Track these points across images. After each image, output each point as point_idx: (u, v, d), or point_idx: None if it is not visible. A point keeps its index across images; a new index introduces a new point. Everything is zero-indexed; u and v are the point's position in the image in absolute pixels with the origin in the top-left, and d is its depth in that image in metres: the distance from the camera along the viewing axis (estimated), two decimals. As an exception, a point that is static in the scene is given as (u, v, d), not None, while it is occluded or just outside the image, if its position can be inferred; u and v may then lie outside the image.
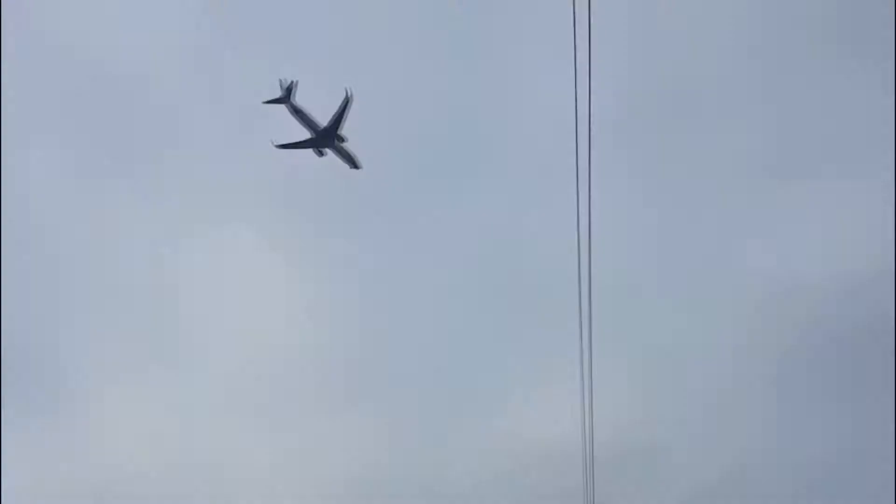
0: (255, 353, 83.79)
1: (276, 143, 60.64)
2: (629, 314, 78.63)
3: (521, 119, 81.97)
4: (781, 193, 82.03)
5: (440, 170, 79.13)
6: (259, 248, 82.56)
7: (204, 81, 77.35)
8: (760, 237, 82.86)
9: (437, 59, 79.99)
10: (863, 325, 76.57)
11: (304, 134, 59.83)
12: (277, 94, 57.61)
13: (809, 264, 78.67)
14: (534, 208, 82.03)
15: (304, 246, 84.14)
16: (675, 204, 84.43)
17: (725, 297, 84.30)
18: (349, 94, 57.80)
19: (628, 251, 80.00)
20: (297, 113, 58.89)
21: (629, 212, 78.84)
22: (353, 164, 62.18)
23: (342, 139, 59.95)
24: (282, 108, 58.10)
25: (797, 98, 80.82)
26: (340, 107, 58.44)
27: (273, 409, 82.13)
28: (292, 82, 57.73)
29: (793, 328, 78.60)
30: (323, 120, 59.01)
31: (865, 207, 77.59)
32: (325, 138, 59.47)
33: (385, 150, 70.08)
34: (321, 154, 61.10)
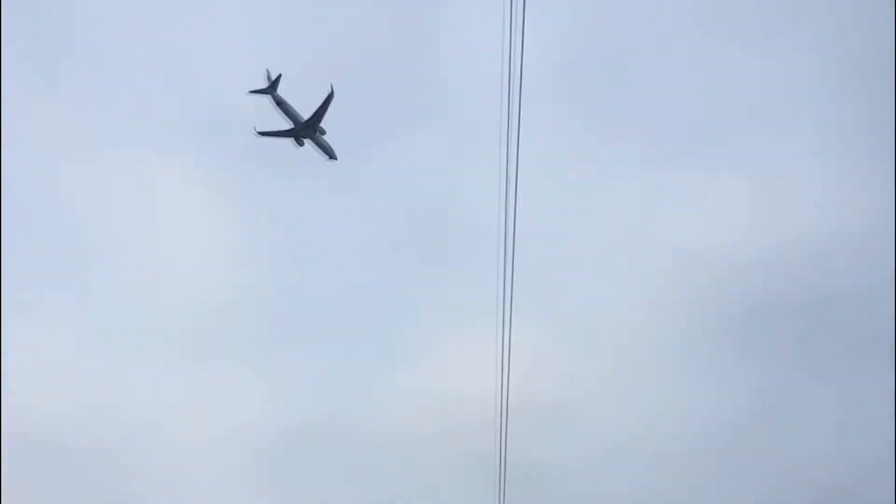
0: (171, 291, 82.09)
1: (258, 130, 63.36)
2: (550, 273, 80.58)
3: (453, 72, 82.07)
4: (707, 159, 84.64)
5: (370, 120, 78.39)
6: (185, 181, 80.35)
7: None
8: (682, 202, 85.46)
9: (370, 8, 79.14)
10: (774, 291, 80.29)
11: (287, 124, 63.17)
12: (264, 84, 60.63)
13: (728, 232, 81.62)
14: (463, 163, 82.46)
15: (231, 185, 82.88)
16: (602, 165, 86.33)
17: (643, 260, 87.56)
18: (332, 90, 61.06)
19: (554, 210, 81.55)
20: (280, 104, 61.59)
21: (556, 171, 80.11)
22: (330, 155, 65.67)
23: (322, 132, 63.40)
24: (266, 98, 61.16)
25: (729, 64, 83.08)
26: (323, 102, 61.48)
27: (181, 354, 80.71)
28: (279, 76, 60.36)
29: (706, 293, 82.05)
30: (305, 113, 62.27)
31: (790, 177, 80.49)
32: (306, 129, 62.93)
33: (313, 98, 69.47)
34: (300, 144, 64.19)
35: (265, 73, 60.17)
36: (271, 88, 60.25)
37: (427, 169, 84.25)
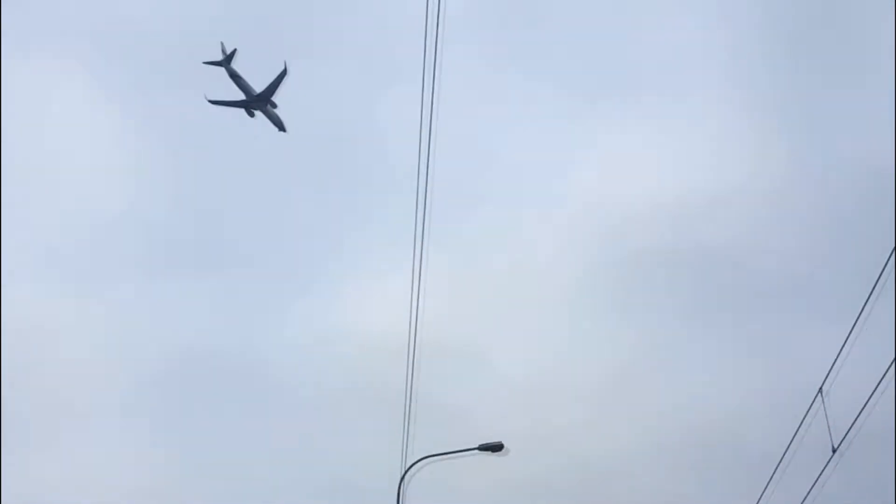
0: (59, 206, 79.79)
1: (209, 99, 65.77)
2: (465, 212, 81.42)
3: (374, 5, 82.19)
4: (617, 108, 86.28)
5: (285, 44, 77.71)
6: (85, 96, 78.17)
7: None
8: (592, 149, 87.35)
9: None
10: (670, 242, 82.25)
11: (240, 96, 65.83)
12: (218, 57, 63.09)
13: (632, 181, 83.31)
14: (381, 95, 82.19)
15: (134, 103, 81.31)
16: (515, 107, 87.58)
17: (552, 204, 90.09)
18: (286, 67, 64.17)
19: (469, 149, 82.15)
20: (235, 77, 63.85)
21: (472, 110, 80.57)
22: (280, 127, 68.09)
23: (273, 105, 66.22)
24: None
25: (645, 14, 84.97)
26: (276, 78, 64.33)
27: (68, 272, 78.64)
28: (234, 50, 62.79)
29: (609, 240, 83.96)
30: (258, 87, 65.08)
31: (695, 131, 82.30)
32: (258, 102, 65.73)
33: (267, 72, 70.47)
34: (251, 115, 66.98)
35: (220, 45, 62.57)
36: (226, 62, 62.51)
37: (343, 99, 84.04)
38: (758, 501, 14.71)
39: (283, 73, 63.79)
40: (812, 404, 11.80)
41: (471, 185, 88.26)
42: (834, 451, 11.83)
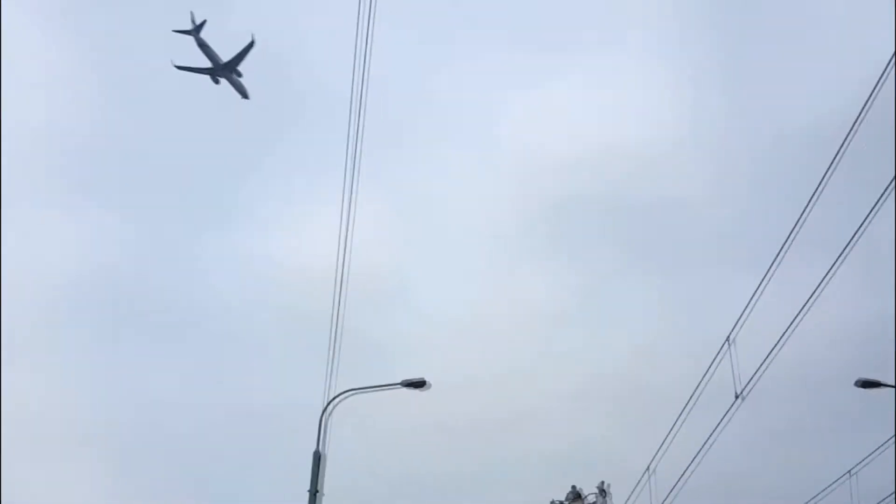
0: None
1: (175, 65, 66.77)
2: (398, 147, 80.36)
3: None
4: (556, 58, 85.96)
5: None
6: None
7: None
8: (529, 92, 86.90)
9: None
10: (599, 190, 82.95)
11: (206, 63, 67.51)
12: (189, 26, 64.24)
13: (566, 128, 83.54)
14: (317, 26, 79.59)
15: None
16: (459, 47, 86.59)
17: (488, 146, 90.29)
18: (253, 39, 65.71)
19: (407, 84, 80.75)
20: (203, 46, 65.30)
21: (410, 48, 78.92)
22: (243, 94, 69.78)
23: (239, 74, 68.11)
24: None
25: None
26: (242, 49, 66.12)
27: None
28: (203, 21, 63.94)
29: (539, 184, 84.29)
30: (225, 57, 67.03)
31: (636, 82, 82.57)
32: (223, 70, 67.58)
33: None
34: (216, 82, 68.51)
35: (190, 14, 63.44)
36: (195, 31, 64.13)
37: (276, 24, 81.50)
38: (664, 440, 15.48)
39: (251, 45, 65.48)
40: (719, 352, 12.37)
41: (407, 120, 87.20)
42: (737, 396, 12.48)
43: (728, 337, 12.18)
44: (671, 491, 17.05)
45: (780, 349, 12.00)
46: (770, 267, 11.12)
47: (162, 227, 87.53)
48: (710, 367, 12.69)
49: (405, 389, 20.38)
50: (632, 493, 18.90)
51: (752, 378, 12.33)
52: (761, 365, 12.19)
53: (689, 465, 15.63)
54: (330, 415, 18.80)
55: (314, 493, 17.58)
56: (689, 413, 14.11)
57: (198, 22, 63.94)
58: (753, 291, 11.34)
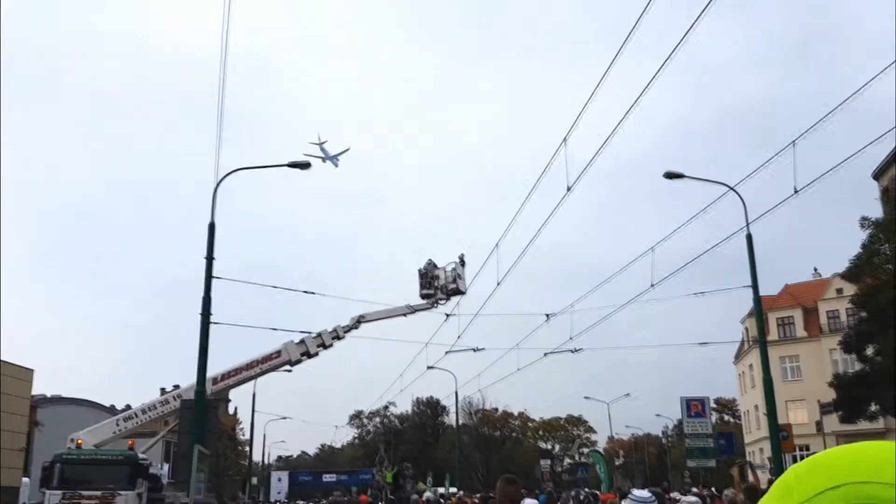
0: None
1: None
2: None
3: None
4: None
5: None
6: None
7: None
8: None
9: None
10: None
11: None
12: None
13: None
14: None
15: None
16: None
17: None
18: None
19: None
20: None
21: None
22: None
23: None
24: None
25: None
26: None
27: None
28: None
29: None
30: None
31: None
32: None
33: None
34: None
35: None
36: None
37: None
38: (511, 220, 17.85)
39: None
40: (558, 150, 14.35)
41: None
42: (568, 189, 14.73)
43: (564, 139, 14.08)
44: (513, 265, 19.88)
45: (603, 147, 14.08)
46: (606, 70, 12.68)
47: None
48: (547, 165, 14.74)
49: (290, 169, 21.58)
50: (483, 265, 21.71)
51: (580, 174, 14.54)
52: (589, 163, 14.34)
53: (529, 242, 18.25)
54: (222, 191, 19.93)
55: (210, 259, 19.19)
56: (528, 198, 16.37)
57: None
58: (589, 96, 12.98)
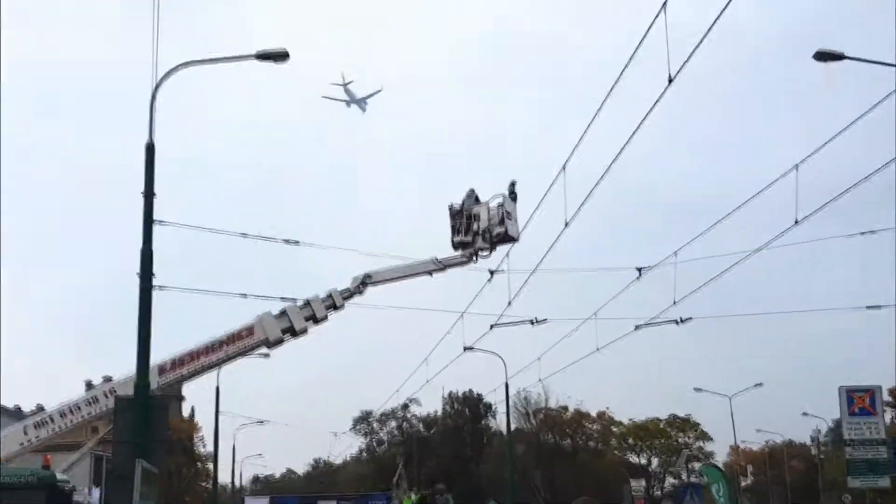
0: None
1: None
2: None
3: None
4: None
5: None
6: None
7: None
8: None
9: None
10: None
11: None
12: None
13: None
14: None
15: None
16: None
17: None
18: None
19: None
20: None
21: None
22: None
23: None
24: None
25: None
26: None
27: None
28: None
29: None
30: None
31: None
32: None
33: None
34: None
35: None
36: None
37: None
38: (582, 135, 17.82)
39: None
40: (656, 17, 14.24)
41: None
42: (670, 79, 14.64)
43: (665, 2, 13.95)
44: (587, 197, 19.83)
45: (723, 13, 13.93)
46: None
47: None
48: (638, 44, 14.56)
49: (259, 62, 21.40)
50: (542, 198, 21.58)
51: (686, 59, 14.35)
52: (699, 43, 14.16)
53: (612, 162, 18.19)
54: (164, 93, 20.00)
55: (149, 195, 19.39)
56: (610, 95, 16.22)
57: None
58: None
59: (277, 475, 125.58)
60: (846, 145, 21.76)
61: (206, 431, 68.79)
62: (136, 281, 18.95)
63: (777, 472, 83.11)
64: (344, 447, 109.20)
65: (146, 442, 18.04)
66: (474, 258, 31.39)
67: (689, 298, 26.57)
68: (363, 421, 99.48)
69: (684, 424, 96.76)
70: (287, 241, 29.91)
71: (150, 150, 19.59)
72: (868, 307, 32.68)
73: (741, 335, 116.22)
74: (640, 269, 27.11)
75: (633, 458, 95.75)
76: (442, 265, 31.61)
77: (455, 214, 31.75)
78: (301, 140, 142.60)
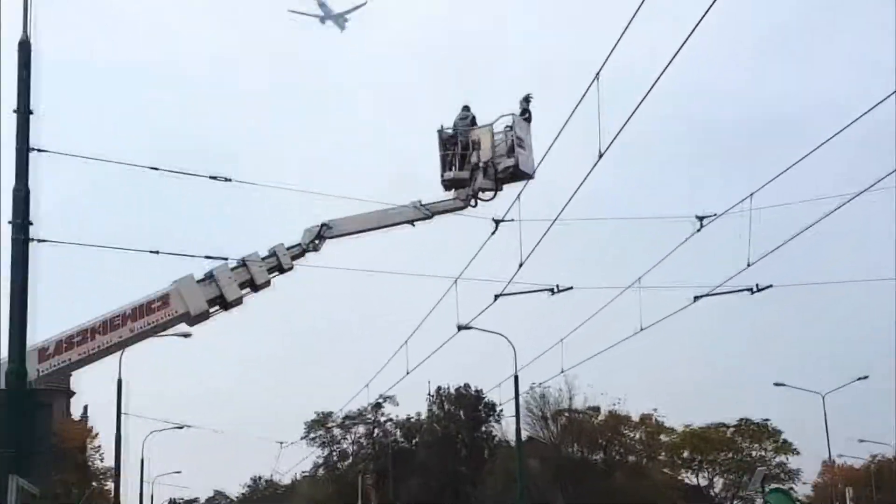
0: None
1: None
2: None
3: None
4: None
5: None
6: None
7: None
8: None
9: None
10: None
11: None
12: None
13: None
14: None
15: None
16: None
17: None
18: None
19: None
20: None
21: None
22: None
23: None
24: None
25: None
26: None
27: None
28: None
29: None
30: None
31: None
32: None
33: None
34: None
35: None
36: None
37: None
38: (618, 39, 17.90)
39: None
40: None
41: None
42: None
43: None
44: (627, 120, 19.76)
45: None
46: None
47: None
48: None
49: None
50: (566, 121, 21.31)
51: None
52: None
53: (661, 73, 18.16)
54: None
55: (25, 112, 19.28)
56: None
57: None
58: None
59: (202, 499, 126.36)
60: None
61: (104, 439, 68.83)
62: (7, 230, 18.80)
63: (889, 494, 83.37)
64: (294, 462, 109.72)
65: (23, 452, 18.09)
66: (472, 202, 31.06)
67: (767, 259, 25.88)
68: (320, 426, 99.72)
69: (760, 432, 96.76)
70: (215, 178, 29.13)
71: (24, 49, 19.25)
72: None
73: (836, 310, 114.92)
74: (700, 219, 26.99)
75: (689, 478, 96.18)
76: (428, 212, 31.11)
77: (446, 141, 31.30)
78: (256, 55, 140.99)
